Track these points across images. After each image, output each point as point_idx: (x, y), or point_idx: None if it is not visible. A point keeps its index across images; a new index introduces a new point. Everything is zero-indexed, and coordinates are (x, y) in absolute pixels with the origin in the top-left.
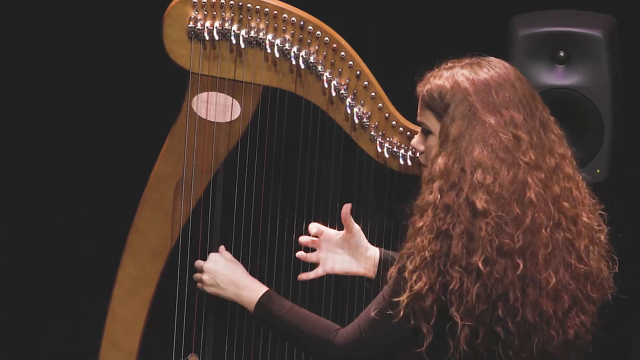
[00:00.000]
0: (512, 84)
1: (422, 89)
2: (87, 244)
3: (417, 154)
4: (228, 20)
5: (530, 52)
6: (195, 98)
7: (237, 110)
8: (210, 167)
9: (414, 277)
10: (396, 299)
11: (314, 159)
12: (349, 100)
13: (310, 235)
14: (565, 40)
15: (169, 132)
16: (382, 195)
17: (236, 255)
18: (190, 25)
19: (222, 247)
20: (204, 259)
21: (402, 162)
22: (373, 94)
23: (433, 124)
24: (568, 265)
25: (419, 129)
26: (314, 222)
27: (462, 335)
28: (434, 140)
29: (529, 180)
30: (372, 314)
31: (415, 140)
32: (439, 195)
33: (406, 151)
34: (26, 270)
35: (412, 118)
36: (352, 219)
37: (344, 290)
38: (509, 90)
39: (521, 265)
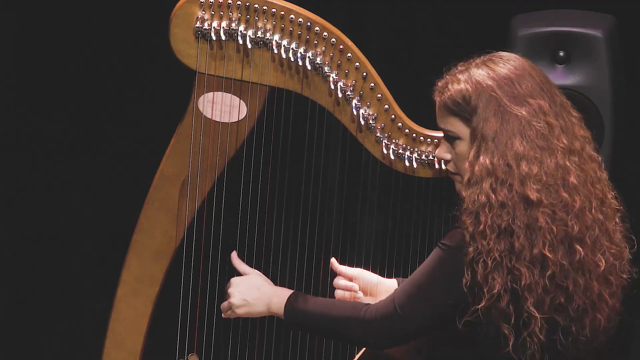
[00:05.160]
0: (529, 73)
1: (442, 97)
2: (92, 244)
3: (443, 164)
4: (235, 20)
5: (530, 52)
6: (201, 98)
7: (243, 111)
8: (216, 167)
9: (489, 281)
10: (442, 279)
11: (319, 160)
12: (355, 101)
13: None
14: (566, 40)
15: (174, 132)
16: (387, 196)
17: (241, 255)
18: (197, 25)
19: (234, 254)
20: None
21: (407, 164)
22: (379, 95)
23: (460, 129)
24: (606, 247)
25: (425, 131)
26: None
27: (538, 328)
28: (463, 145)
29: (568, 164)
30: (413, 290)
31: (441, 150)
32: (492, 195)
33: (412, 153)
34: (27, 270)
35: (418, 119)
36: (346, 267)
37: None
38: (528, 79)
39: (581, 251)
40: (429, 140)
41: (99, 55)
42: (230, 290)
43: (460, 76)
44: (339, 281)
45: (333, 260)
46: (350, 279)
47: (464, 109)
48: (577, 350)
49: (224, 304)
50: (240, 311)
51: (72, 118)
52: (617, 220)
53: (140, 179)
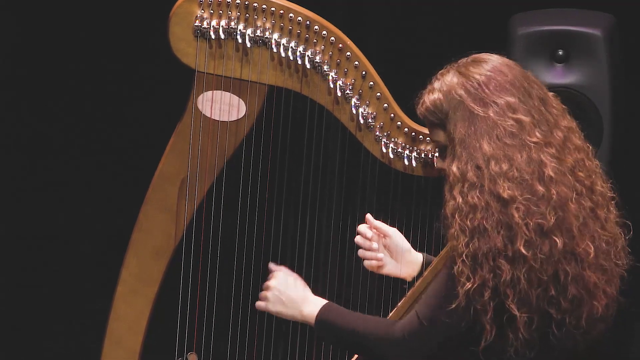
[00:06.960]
0: (499, 71)
1: (421, 109)
2: (91, 243)
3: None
4: (234, 19)
5: (529, 51)
6: (200, 97)
7: (242, 110)
8: (215, 166)
9: (463, 279)
10: (454, 294)
11: (318, 158)
12: (354, 100)
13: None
14: (565, 39)
15: (174, 131)
16: (386, 195)
17: (239, 254)
18: (196, 24)
19: (282, 268)
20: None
21: (406, 162)
22: (378, 94)
23: (442, 137)
24: (597, 234)
25: (424, 129)
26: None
27: (522, 325)
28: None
29: (542, 158)
30: (433, 300)
31: (439, 162)
32: (460, 199)
33: (411, 152)
34: (27, 270)
35: (417, 119)
36: (382, 224)
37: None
38: (497, 78)
39: (560, 242)
40: (428, 139)
41: (98, 54)
42: (271, 283)
43: (435, 85)
44: (368, 231)
45: (369, 215)
46: (385, 236)
47: (439, 117)
48: (573, 341)
49: (263, 293)
50: (273, 308)
51: (72, 117)
52: (610, 207)
53: (140, 178)
